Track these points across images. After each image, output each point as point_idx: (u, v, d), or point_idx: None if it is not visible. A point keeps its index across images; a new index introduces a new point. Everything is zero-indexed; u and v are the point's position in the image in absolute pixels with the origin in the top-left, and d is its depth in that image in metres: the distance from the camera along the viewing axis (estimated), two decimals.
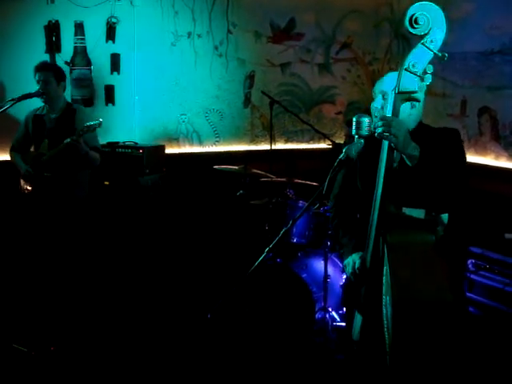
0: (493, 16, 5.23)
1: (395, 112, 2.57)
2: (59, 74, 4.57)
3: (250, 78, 6.37)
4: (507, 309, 4.21)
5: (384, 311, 2.52)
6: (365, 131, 2.74)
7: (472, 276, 4.53)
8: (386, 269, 2.50)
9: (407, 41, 6.30)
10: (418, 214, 2.56)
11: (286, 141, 6.67)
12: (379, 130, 2.54)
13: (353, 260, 2.92)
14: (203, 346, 4.29)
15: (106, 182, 5.29)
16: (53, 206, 4.48)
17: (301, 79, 6.63)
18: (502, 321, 4.22)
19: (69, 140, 4.28)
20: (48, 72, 4.49)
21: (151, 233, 5.29)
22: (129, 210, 5.23)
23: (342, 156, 2.81)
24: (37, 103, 4.60)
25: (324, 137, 6.08)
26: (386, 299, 2.48)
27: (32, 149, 4.67)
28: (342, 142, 6.15)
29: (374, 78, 6.80)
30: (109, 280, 4.93)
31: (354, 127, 2.78)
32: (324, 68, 6.74)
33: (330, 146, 5.98)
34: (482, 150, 5.44)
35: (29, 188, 4.53)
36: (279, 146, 6.57)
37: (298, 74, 6.61)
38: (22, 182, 4.57)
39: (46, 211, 4.49)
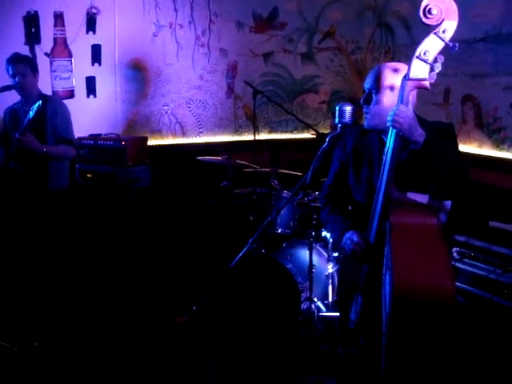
0: (476, 4, 5.21)
1: (405, 99, 2.62)
2: (33, 65, 4.54)
3: (233, 68, 6.33)
4: (491, 296, 4.22)
5: (382, 291, 2.58)
6: (348, 119, 2.73)
7: (457, 264, 4.54)
8: (386, 249, 2.56)
9: (390, 30, 6.29)
10: (422, 199, 2.62)
11: (270, 131, 6.64)
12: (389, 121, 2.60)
13: (351, 237, 2.92)
14: (189, 339, 4.29)
15: (89, 175, 5.24)
16: (22, 201, 4.43)
17: (284, 69, 6.58)
18: (486, 308, 4.23)
19: (17, 135, 4.24)
20: (24, 64, 4.45)
21: (134, 225, 5.26)
22: (111, 203, 5.19)
23: (325, 145, 2.81)
24: (15, 97, 4.56)
25: (308, 126, 6.08)
26: (386, 278, 2.54)
27: None
28: (325, 131, 6.14)
29: (358, 67, 6.80)
30: (91, 274, 4.90)
31: (337, 116, 2.78)
32: (307, 57, 6.70)
33: (314, 136, 5.98)
34: (465, 137, 5.44)
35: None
36: (263, 136, 6.53)
37: (280, 63, 6.55)
38: None
39: (15, 205, 4.44)
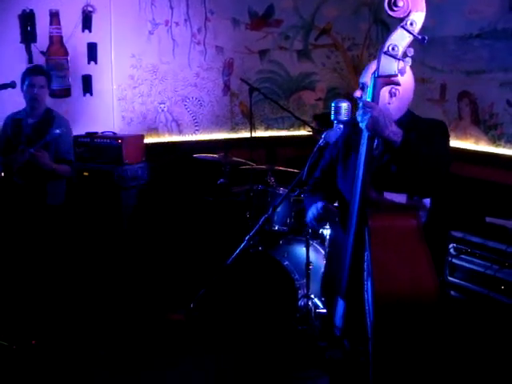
0: (471, 0, 5.22)
1: (375, 96, 2.52)
2: (51, 80, 4.56)
3: (229, 65, 6.32)
4: (488, 292, 4.23)
5: (365, 296, 2.52)
6: (343, 116, 2.73)
7: (453, 260, 4.55)
8: (366, 254, 2.50)
9: (386, 26, 6.29)
10: (400, 198, 2.55)
11: (266, 128, 6.64)
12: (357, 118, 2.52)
13: (316, 205, 3.01)
14: (186, 336, 4.29)
15: (86, 173, 5.24)
16: (23, 214, 4.44)
17: (280, 66, 6.58)
18: (483, 304, 4.24)
19: (32, 151, 4.25)
20: (45, 77, 4.50)
21: (131, 223, 5.26)
22: (108, 201, 5.19)
23: (320, 142, 2.80)
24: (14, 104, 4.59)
25: (304, 123, 6.08)
26: (368, 284, 2.48)
27: None
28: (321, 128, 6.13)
29: (354, 63, 6.80)
30: (88, 272, 4.90)
31: (332, 112, 2.77)
32: (303, 54, 6.70)
33: (310, 133, 5.97)
34: (462, 134, 5.45)
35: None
36: (259, 133, 6.53)
37: (277, 60, 6.55)
38: None
39: (17, 219, 4.45)
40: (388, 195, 2.56)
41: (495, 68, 5.07)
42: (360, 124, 2.52)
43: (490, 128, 5.21)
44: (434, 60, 5.53)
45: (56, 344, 4.11)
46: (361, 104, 2.52)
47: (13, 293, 4.42)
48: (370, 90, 2.55)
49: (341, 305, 2.77)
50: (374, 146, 2.62)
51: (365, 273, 2.53)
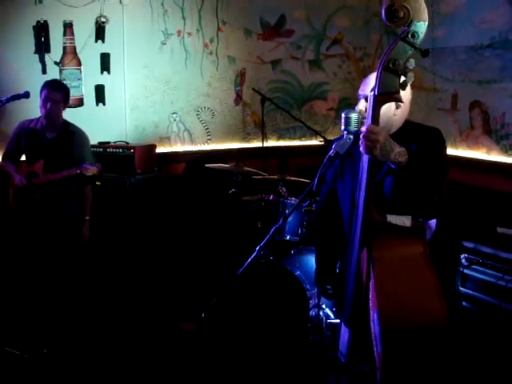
0: (482, 10, 5.22)
1: (375, 116, 2.35)
2: (68, 96, 4.56)
3: (241, 75, 6.35)
4: (500, 303, 4.21)
5: (372, 327, 2.37)
6: (354, 127, 2.70)
7: (465, 270, 4.53)
8: (371, 283, 2.35)
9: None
10: (405, 221, 2.39)
11: (278, 138, 6.65)
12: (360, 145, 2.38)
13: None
14: (198, 346, 4.29)
15: (98, 183, 5.26)
16: (43, 221, 4.47)
17: (292, 76, 6.60)
18: (495, 315, 4.22)
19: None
20: (60, 93, 4.48)
21: (143, 232, 5.28)
22: (120, 210, 5.22)
23: (331, 152, 2.78)
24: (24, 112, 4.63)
25: (316, 133, 6.08)
26: (374, 316, 2.33)
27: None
28: (333, 138, 6.12)
29: (366, 73, 6.72)
30: (102, 281, 4.92)
31: (342, 123, 2.75)
32: (315, 64, 6.71)
33: (322, 143, 5.97)
34: (473, 144, 5.44)
35: (20, 198, 4.50)
36: (271, 143, 6.54)
37: (288, 70, 6.57)
38: (12, 192, 4.56)
39: (36, 225, 4.49)
40: (392, 218, 2.39)
41: (506, 78, 5.06)
42: (362, 150, 2.38)
43: (501, 138, 5.20)
44: (446, 70, 5.53)
45: (66, 352, 4.13)
46: (364, 129, 2.35)
47: (26, 300, 4.45)
48: (369, 110, 2.38)
49: (345, 331, 2.67)
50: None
51: (370, 302, 2.38)
